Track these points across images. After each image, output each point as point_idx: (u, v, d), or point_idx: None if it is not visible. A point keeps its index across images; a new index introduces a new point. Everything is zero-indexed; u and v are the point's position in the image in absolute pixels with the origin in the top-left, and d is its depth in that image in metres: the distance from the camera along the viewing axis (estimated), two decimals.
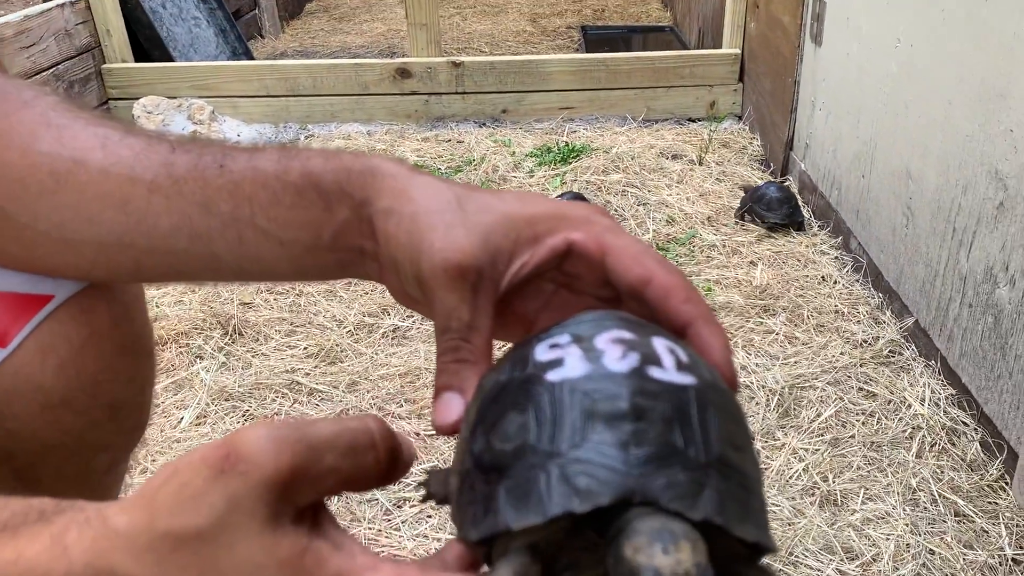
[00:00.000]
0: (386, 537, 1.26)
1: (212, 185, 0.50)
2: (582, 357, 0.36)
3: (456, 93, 2.94)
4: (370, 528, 1.27)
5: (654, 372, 0.35)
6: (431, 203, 0.45)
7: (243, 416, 1.52)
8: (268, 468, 0.34)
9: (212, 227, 0.49)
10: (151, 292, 1.92)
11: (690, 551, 0.31)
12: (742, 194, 2.26)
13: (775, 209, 2.12)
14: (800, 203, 2.19)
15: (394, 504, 1.32)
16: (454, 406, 0.42)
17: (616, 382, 0.35)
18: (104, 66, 2.93)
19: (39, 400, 0.54)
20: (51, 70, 2.66)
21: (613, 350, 0.36)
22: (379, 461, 0.37)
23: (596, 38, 3.93)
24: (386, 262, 0.46)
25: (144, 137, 0.52)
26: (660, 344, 0.37)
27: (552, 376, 0.36)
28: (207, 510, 0.34)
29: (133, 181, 0.50)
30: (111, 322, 0.58)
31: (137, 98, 2.81)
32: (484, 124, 2.94)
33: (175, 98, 2.82)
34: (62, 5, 2.73)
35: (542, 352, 0.38)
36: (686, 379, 0.36)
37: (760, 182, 2.32)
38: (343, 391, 1.58)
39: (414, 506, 1.31)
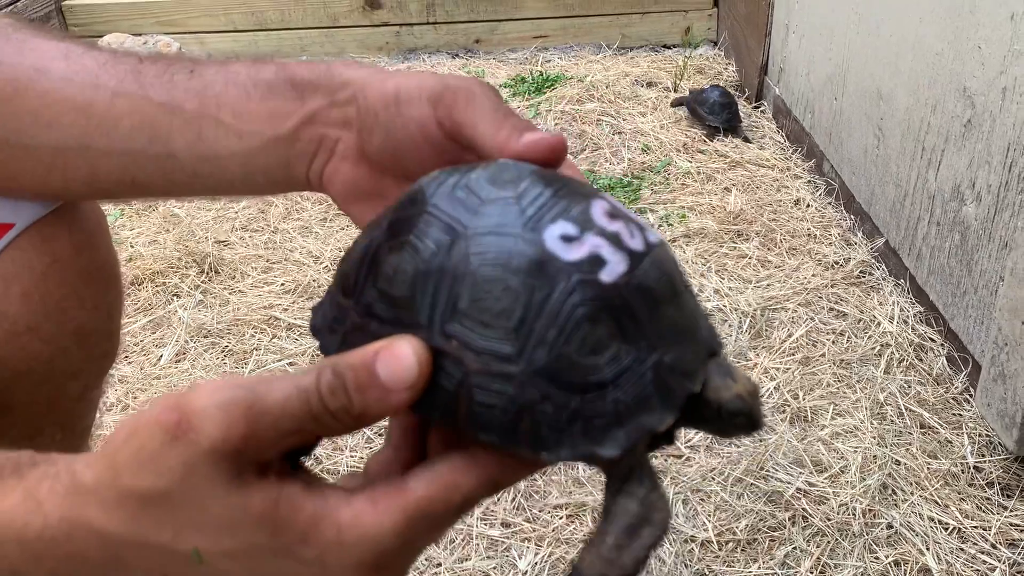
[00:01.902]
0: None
1: (180, 87, 0.50)
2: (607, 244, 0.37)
3: (428, 24, 2.89)
4: (352, 456, 1.30)
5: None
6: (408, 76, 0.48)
7: (222, 352, 1.53)
8: (217, 438, 0.34)
9: (174, 126, 0.50)
10: (125, 232, 1.91)
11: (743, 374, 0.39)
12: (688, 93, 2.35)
13: (716, 113, 2.19)
14: (739, 109, 2.26)
15: (376, 432, 1.34)
16: None
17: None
18: (65, 2, 2.85)
19: (5, 327, 0.55)
20: (9, 8, 2.59)
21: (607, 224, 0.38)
22: (337, 415, 0.36)
23: None
24: (364, 115, 0.47)
25: (110, 51, 0.52)
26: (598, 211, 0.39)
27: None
28: (167, 473, 0.34)
29: (96, 87, 0.50)
30: (73, 249, 0.58)
31: (100, 36, 2.74)
32: (457, 55, 2.90)
33: (140, 35, 2.76)
34: None
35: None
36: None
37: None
38: None
39: None
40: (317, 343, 0.41)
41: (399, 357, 0.35)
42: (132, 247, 1.85)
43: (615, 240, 0.36)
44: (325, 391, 0.35)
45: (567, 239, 0.35)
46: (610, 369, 0.35)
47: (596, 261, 0.35)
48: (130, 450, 0.35)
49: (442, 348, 0.35)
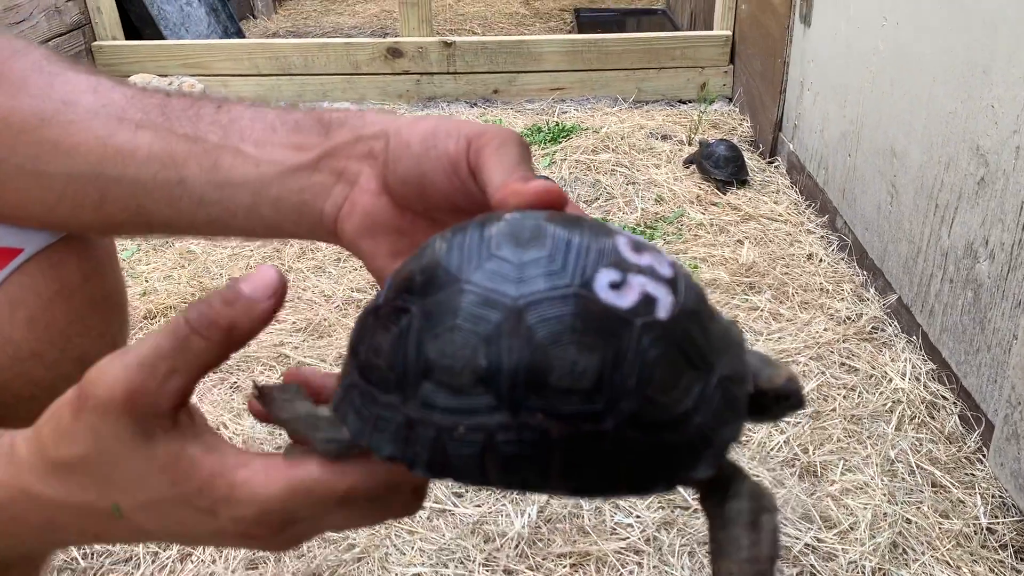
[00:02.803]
0: None
1: (205, 120, 0.50)
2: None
3: (448, 73, 2.94)
4: None
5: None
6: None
7: (231, 388, 1.53)
8: (109, 397, 0.38)
9: (192, 153, 0.50)
10: (141, 267, 1.93)
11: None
12: (697, 147, 2.39)
13: (722, 167, 2.23)
14: (745, 162, 2.30)
15: None
16: None
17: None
18: (94, 43, 2.92)
19: (8, 353, 0.55)
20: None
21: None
22: (205, 333, 0.39)
23: (589, 21, 3.93)
24: (395, 146, 0.48)
25: (139, 87, 0.53)
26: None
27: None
28: (81, 440, 0.39)
29: (121, 120, 0.50)
30: (81, 277, 0.58)
31: (127, 76, 2.80)
32: (475, 104, 2.95)
33: (165, 76, 2.82)
34: None
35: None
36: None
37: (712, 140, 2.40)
38: (331, 364, 1.59)
39: None
40: (361, 441, 0.39)
41: (258, 275, 0.39)
42: (147, 281, 1.86)
43: (652, 274, 0.37)
44: (191, 315, 0.38)
45: (614, 286, 0.36)
46: (689, 398, 0.37)
47: (648, 301, 0.36)
48: (50, 427, 0.40)
49: (527, 423, 0.35)
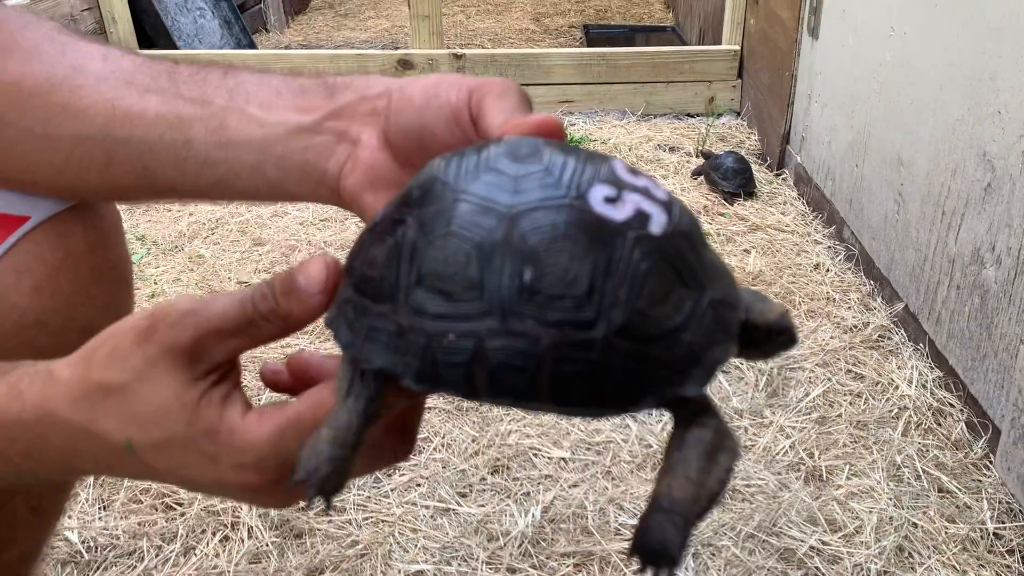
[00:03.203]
0: (375, 503, 1.27)
1: (212, 84, 0.51)
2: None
3: None
4: (359, 495, 1.29)
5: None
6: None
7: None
8: (175, 339, 0.41)
9: (198, 115, 0.51)
10: (150, 270, 1.94)
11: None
12: (703, 159, 2.41)
13: (730, 179, 2.24)
14: (753, 174, 2.31)
15: (384, 472, 1.33)
16: None
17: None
18: None
19: (13, 319, 0.55)
20: None
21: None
22: (268, 317, 0.42)
23: (598, 37, 3.95)
24: (398, 102, 0.49)
25: (147, 55, 0.54)
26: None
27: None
28: (130, 368, 0.41)
29: (130, 84, 0.51)
30: (87, 246, 0.59)
31: None
32: None
33: None
34: None
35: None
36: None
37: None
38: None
39: (403, 474, 1.33)
40: (352, 352, 0.39)
41: (312, 266, 0.41)
42: (156, 284, 1.87)
43: (647, 194, 0.38)
44: (257, 298, 0.41)
45: (609, 200, 0.36)
46: (679, 315, 0.37)
47: (642, 216, 0.37)
48: (106, 349, 0.41)
49: (516, 330, 0.35)
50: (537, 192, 0.36)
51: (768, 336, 0.42)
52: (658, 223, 0.37)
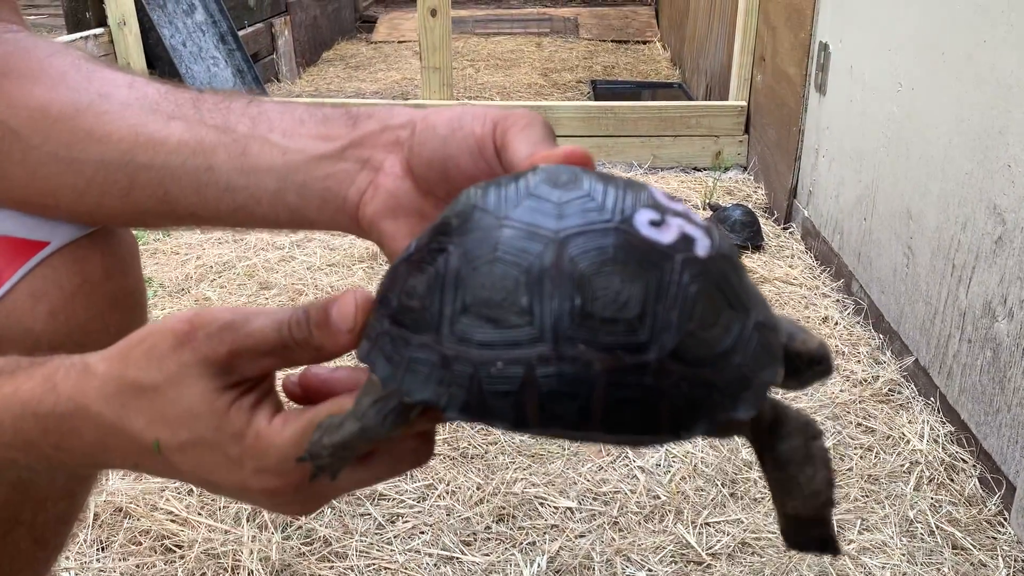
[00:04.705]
0: (377, 550, 1.25)
1: (236, 112, 0.52)
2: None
3: None
4: (362, 541, 1.26)
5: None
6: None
7: None
8: (212, 349, 0.41)
9: (221, 142, 0.51)
10: (156, 311, 1.94)
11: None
12: (710, 212, 2.43)
13: (737, 232, 2.25)
14: (761, 227, 2.32)
15: (387, 519, 1.31)
16: None
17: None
18: None
19: (28, 344, 0.55)
20: None
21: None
22: (301, 345, 0.42)
23: (605, 92, 4.00)
24: (422, 132, 0.49)
25: (172, 84, 0.54)
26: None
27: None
28: (166, 369, 0.41)
29: (154, 112, 0.52)
30: (104, 273, 0.59)
31: None
32: None
33: None
34: (86, 37, 2.81)
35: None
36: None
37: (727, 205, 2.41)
38: None
39: (407, 521, 1.30)
40: (392, 386, 0.38)
41: (344, 303, 0.42)
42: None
43: (688, 218, 0.38)
44: (293, 324, 0.42)
45: (654, 224, 0.36)
46: (729, 337, 0.36)
47: (687, 239, 0.36)
48: (143, 348, 0.42)
49: (568, 355, 0.34)
50: (582, 217, 0.36)
51: (808, 365, 0.42)
52: (703, 246, 0.37)
